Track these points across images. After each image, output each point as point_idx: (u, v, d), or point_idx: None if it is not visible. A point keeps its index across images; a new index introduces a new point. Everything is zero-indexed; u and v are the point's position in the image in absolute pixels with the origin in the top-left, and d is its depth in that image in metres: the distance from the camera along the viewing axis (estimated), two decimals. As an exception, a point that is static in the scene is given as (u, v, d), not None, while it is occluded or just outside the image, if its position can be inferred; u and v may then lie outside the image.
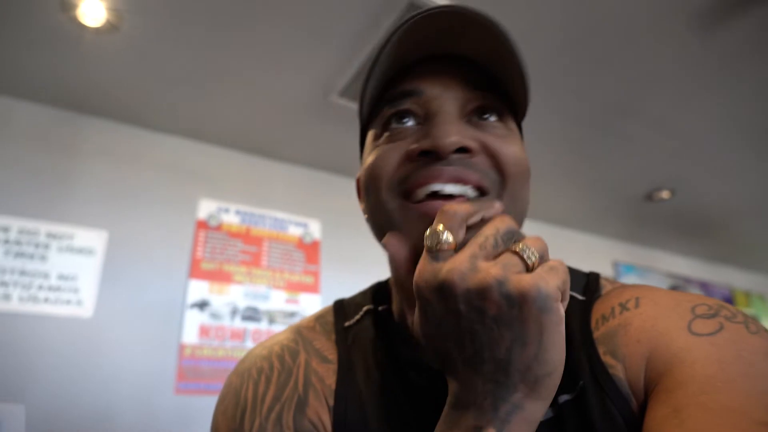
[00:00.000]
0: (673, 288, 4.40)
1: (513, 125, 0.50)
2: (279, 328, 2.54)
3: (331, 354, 0.58)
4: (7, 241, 2.11)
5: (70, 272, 2.19)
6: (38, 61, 2.05)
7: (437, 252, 0.38)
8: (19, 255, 2.11)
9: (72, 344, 2.09)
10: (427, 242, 0.38)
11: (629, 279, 4.12)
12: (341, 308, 0.64)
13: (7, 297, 2.05)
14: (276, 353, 0.57)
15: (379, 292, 0.64)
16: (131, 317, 2.24)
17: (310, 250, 2.81)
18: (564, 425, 0.44)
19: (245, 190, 2.74)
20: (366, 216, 0.56)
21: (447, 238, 0.38)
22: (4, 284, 2.06)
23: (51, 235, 2.19)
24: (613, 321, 0.47)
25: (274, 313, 2.59)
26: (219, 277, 2.51)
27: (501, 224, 0.39)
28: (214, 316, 2.44)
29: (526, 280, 0.34)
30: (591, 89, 2.26)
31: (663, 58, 2.07)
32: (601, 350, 0.46)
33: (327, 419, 0.52)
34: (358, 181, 0.59)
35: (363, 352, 0.57)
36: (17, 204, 2.17)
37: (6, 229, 2.12)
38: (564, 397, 0.45)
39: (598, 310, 0.50)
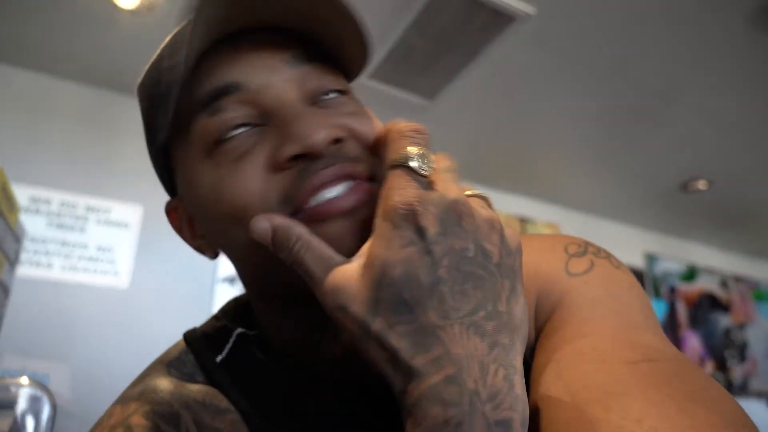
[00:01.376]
0: (722, 282, 4.31)
1: (350, 90, 0.44)
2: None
3: (220, 401, 0.43)
4: (49, 213, 2.20)
5: (108, 244, 2.27)
6: (80, 43, 2.11)
7: (422, 177, 0.32)
8: (60, 227, 2.21)
9: (110, 312, 2.19)
10: (411, 162, 0.32)
11: (661, 270, 4.04)
12: (201, 339, 0.48)
13: (49, 266, 2.15)
14: (149, 428, 0.39)
15: (240, 309, 0.51)
16: (165, 289, 2.33)
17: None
18: None
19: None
20: (206, 247, 0.47)
21: (429, 163, 0.33)
22: (47, 254, 2.16)
23: (90, 209, 2.28)
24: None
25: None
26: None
27: (450, 162, 0.35)
28: (241, 291, 2.50)
29: (513, 230, 0.33)
30: (632, 73, 2.20)
31: (709, 44, 2.00)
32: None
33: None
34: (174, 210, 0.51)
35: (263, 393, 0.44)
36: (58, 178, 2.26)
37: (48, 202, 2.21)
38: None
39: None
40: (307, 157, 0.36)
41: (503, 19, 1.87)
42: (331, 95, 0.41)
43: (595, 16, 1.88)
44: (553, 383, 0.34)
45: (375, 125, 0.41)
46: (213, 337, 0.48)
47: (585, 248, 0.44)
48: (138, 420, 0.40)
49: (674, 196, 3.51)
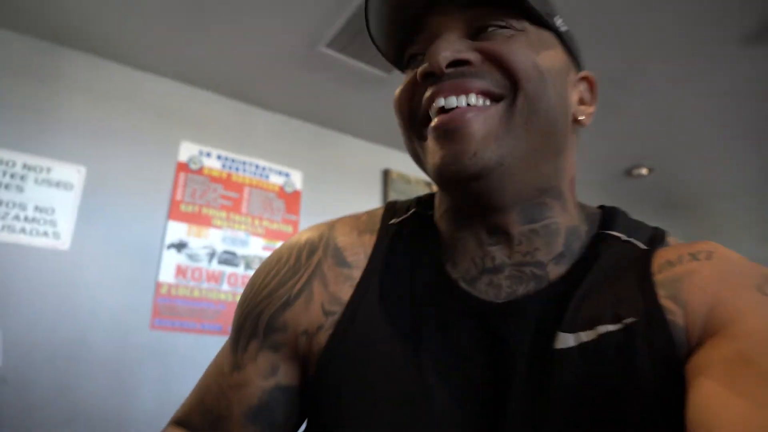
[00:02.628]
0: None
1: (530, 28, 0.47)
2: (255, 274, 2.58)
3: (356, 256, 0.55)
4: (-17, 169, 2.09)
5: (48, 205, 2.19)
6: (19, -15, 1.98)
7: None
8: (-4, 184, 2.10)
9: (49, 275, 2.12)
10: None
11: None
12: (392, 206, 0.61)
13: (-18, 225, 2.05)
14: (299, 246, 0.57)
15: (429, 198, 0.61)
16: (108, 253, 2.27)
17: (291, 200, 2.83)
18: (601, 352, 0.43)
19: (228, 135, 2.73)
20: None
21: None
22: (-20, 212, 2.06)
23: (28, 167, 2.18)
24: (680, 267, 0.45)
25: (252, 259, 2.63)
26: (198, 220, 2.53)
27: None
28: (192, 257, 2.47)
29: None
30: (587, 57, 2.26)
31: (657, 33, 2.07)
32: (660, 293, 0.44)
33: (313, 326, 0.51)
34: None
35: (398, 260, 0.54)
36: (-6, 132, 2.14)
37: (-18, 157, 2.10)
38: (606, 327, 0.44)
39: (662, 256, 0.48)
40: (433, 76, 0.45)
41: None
42: (491, 29, 0.46)
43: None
44: (744, 371, 0.34)
45: (523, 49, 0.45)
46: (401, 206, 0.60)
47: None
48: (306, 239, 0.57)
49: (618, 181, 3.66)
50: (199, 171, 2.60)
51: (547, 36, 0.48)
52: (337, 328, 0.50)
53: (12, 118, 2.19)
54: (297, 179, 2.90)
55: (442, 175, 0.44)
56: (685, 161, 3.29)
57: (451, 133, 0.43)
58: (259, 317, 0.53)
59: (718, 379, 0.35)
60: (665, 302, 0.44)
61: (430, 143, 0.45)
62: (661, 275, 0.46)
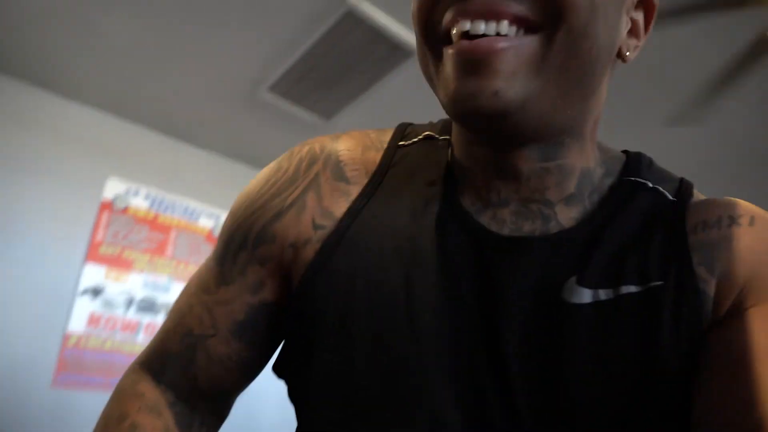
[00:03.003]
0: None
1: None
2: (177, 323, 2.44)
3: (357, 172, 0.51)
4: None
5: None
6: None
7: None
8: None
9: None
10: None
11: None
12: (404, 128, 0.55)
13: None
14: (300, 156, 0.53)
15: (447, 122, 0.55)
16: (12, 297, 2.06)
17: (222, 244, 2.73)
18: (619, 314, 0.40)
19: (159, 172, 2.60)
20: None
21: None
22: None
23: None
24: (718, 232, 0.42)
25: (175, 306, 2.48)
26: (118, 263, 2.37)
27: None
28: (108, 304, 2.29)
29: None
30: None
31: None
32: (695, 258, 0.41)
33: (301, 239, 0.48)
34: None
35: (401, 182, 0.49)
36: None
37: None
38: (629, 288, 0.40)
39: (699, 214, 0.44)
40: None
41: (402, 53, 1.92)
42: None
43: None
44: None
45: None
46: (413, 129, 0.55)
47: None
48: (308, 149, 0.53)
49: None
50: (124, 211, 2.45)
51: None
52: (325, 243, 0.47)
53: None
54: (230, 223, 2.80)
55: (454, 108, 0.38)
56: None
57: (473, 64, 0.36)
58: (250, 228, 0.50)
59: (741, 368, 0.34)
60: (698, 269, 0.40)
61: (448, 68, 0.38)
62: (696, 236, 0.42)
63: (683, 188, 0.47)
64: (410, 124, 0.56)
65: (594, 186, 0.46)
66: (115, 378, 2.20)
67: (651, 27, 0.45)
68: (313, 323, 0.46)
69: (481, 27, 0.36)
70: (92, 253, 2.30)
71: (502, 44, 0.36)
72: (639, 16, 0.44)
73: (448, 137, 0.52)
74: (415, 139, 0.53)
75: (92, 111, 2.46)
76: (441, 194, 0.47)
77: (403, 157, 0.52)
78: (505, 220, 0.45)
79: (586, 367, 0.39)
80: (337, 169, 0.51)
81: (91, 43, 2.00)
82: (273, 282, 0.50)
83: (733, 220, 0.42)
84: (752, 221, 0.42)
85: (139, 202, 2.50)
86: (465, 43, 0.36)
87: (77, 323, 2.19)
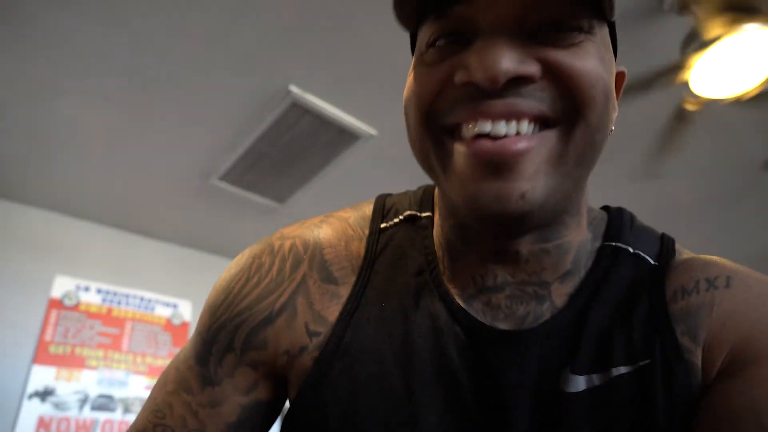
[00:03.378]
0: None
1: (595, 29, 0.38)
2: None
3: (344, 270, 0.49)
4: None
5: None
6: None
7: None
8: None
9: None
10: None
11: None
12: (382, 205, 0.53)
13: None
14: (282, 255, 0.50)
15: (426, 195, 0.53)
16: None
17: (179, 332, 2.68)
18: (614, 399, 0.40)
19: (110, 267, 2.59)
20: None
21: None
22: None
23: None
24: (697, 297, 0.41)
25: (132, 401, 2.39)
26: (69, 362, 2.29)
27: None
28: (59, 406, 2.19)
29: None
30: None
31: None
32: (678, 329, 0.41)
33: (296, 346, 0.47)
34: None
35: (389, 274, 0.48)
36: None
37: None
38: (620, 370, 0.40)
39: (677, 280, 0.43)
40: (485, 90, 0.35)
41: (349, 136, 2.07)
42: (556, 30, 0.36)
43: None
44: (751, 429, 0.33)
45: (593, 65, 0.36)
46: (392, 205, 0.53)
47: None
48: (290, 245, 0.51)
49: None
50: (75, 307, 2.40)
51: (605, 32, 0.40)
52: (323, 351, 0.46)
53: None
54: (186, 310, 2.77)
55: (475, 211, 0.36)
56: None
57: (497, 166, 0.35)
58: (236, 331, 0.48)
59: (720, 428, 0.33)
60: (683, 340, 0.40)
61: (462, 167, 0.37)
62: (676, 306, 0.42)
63: (664, 249, 0.46)
64: (389, 196, 0.54)
65: (588, 255, 0.46)
66: (69, 485, 2.08)
67: (620, 96, 0.46)
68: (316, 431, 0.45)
69: (503, 128, 0.35)
70: (41, 354, 2.22)
71: (524, 144, 0.35)
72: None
73: (430, 213, 0.51)
74: (397, 220, 0.51)
75: (37, 210, 2.46)
76: (430, 285, 0.46)
77: (387, 243, 0.50)
78: (499, 305, 0.44)
79: None
80: (323, 270, 0.49)
81: (34, 140, 2.04)
82: (267, 382, 0.49)
83: (710, 283, 0.42)
84: (728, 282, 0.42)
85: (91, 297, 2.46)
86: (487, 144, 0.35)
87: (25, 428, 2.08)
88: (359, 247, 0.50)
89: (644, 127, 2.15)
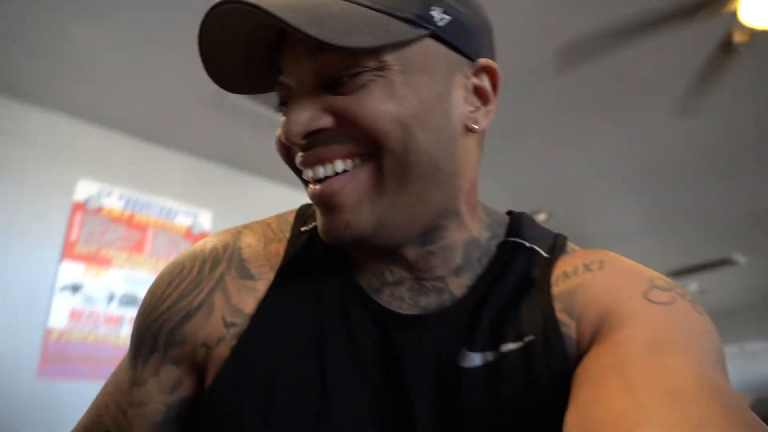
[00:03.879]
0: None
1: (388, 62, 0.41)
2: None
3: (262, 268, 0.52)
4: None
5: None
6: None
7: None
8: None
9: None
10: None
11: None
12: (304, 211, 0.58)
13: None
14: (203, 257, 0.54)
15: None
16: (-8, 297, 2.12)
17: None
18: (505, 372, 0.44)
19: (132, 174, 2.66)
20: None
21: None
22: None
23: None
24: (575, 279, 0.46)
25: (154, 302, 2.54)
26: (96, 260, 2.43)
27: None
28: (88, 300, 2.35)
29: None
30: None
31: (540, 99, 2.29)
32: (557, 307, 0.45)
33: (213, 338, 0.50)
34: None
35: (305, 269, 0.52)
36: None
37: None
38: (509, 346, 0.44)
39: (561, 267, 0.49)
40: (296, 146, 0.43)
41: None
42: (344, 79, 0.41)
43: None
44: (614, 380, 0.34)
45: (372, 104, 0.40)
46: (312, 214, 0.57)
47: (672, 287, 0.44)
48: (211, 247, 0.54)
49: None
50: (98, 211, 2.50)
51: (418, 50, 0.42)
52: (240, 340, 0.48)
53: None
54: (206, 220, 2.86)
55: (325, 238, 0.45)
56: (580, 208, 3.60)
57: (325, 205, 0.43)
58: (159, 330, 0.51)
59: (591, 387, 0.36)
60: (561, 316, 0.45)
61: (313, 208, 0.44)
62: (558, 288, 0.47)
63: (557, 245, 0.52)
64: (310, 206, 0.58)
65: (482, 250, 0.50)
66: (102, 368, 2.28)
67: (498, 89, 0.48)
68: (232, 419, 0.46)
69: (320, 171, 0.42)
70: (68, 252, 2.35)
71: (338, 184, 0.42)
72: (484, 81, 0.47)
73: None
74: (315, 223, 0.54)
75: (59, 116, 2.50)
76: (341, 277, 0.51)
77: (305, 244, 0.53)
78: (403, 297, 0.48)
79: (482, 424, 0.43)
80: (241, 268, 0.52)
81: (60, 50, 2.04)
82: (190, 379, 0.51)
83: (587, 267, 0.47)
84: (601, 265, 0.47)
85: (114, 203, 2.55)
86: (315, 188, 0.43)
87: (58, 319, 2.25)
88: (278, 248, 0.54)
89: (686, 60, 1.99)
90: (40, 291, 2.25)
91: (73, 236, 2.40)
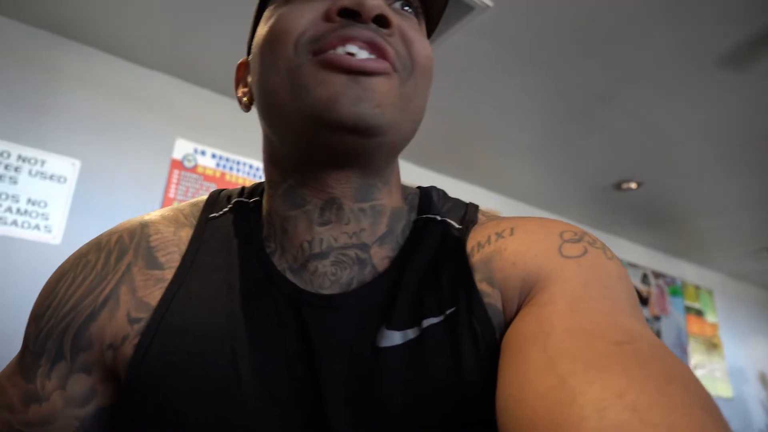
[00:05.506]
0: (643, 276, 4.60)
1: (424, 29, 0.49)
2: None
3: (170, 255, 0.49)
4: (-23, 160, 2.09)
5: (41, 198, 2.19)
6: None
7: None
8: (-11, 175, 2.10)
9: (39, 269, 2.12)
10: None
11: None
12: (216, 197, 0.56)
13: (-26, 215, 2.05)
14: (108, 248, 0.50)
15: (256, 187, 0.57)
16: (99, 248, 2.27)
17: (283, 202, 2.84)
18: (427, 348, 0.43)
19: (224, 134, 2.74)
20: (247, 94, 0.51)
21: None
22: (-28, 202, 2.06)
23: (23, 159, 2.18)
24: (489, 248, 0.47)
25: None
26: (190, 218, 2.54)
27: None
28: (182, 255, 2.47)
29: None
30: (572, 75, 2.31)
31: (646, 54, 2.13)
32: (477, 277, 0.45)
33: (118, 337, 0.45)
34: (240, 66, 0.55)
35: (215, 256, 0.49)
36: (-10, 123, 2.14)
37: (-23, 148, 2.10)
38: (431, 320, 0.44)
39: (474, 238, 0.49)
40: (354, 17, 0.41)
41: (462, 7, 1.92)
42: (406, 8, 0.46)
43: (546, 16, 1.96)
44: (537, 354, 0.35)
45: (427, 46, 0.46)
46: (223, 199, 0.56)
47: (581, 236, 0.45)
48: (117, 237, 0.51)
49: (607, 194, 3.72)
50: (193, 169, 2.61)
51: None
52: (142, 337, 0.44)
53: (8, 109, 2.19)
54: (290, 181, 2.91)
55: (332, 111, 0.39)
56: (673, 177, 3.36)
57: (363, 77, 0.40)
58: (63, 335, 0.46)
59: (516, 359, 0.36)
60: (482, 286, 0.45)
61: (325, 75, 0.39)
62: (474, 258, 0.47)
63: (467, 215, 0.52)
64: (221, 191, 0.57)
65: (404, 222, 0.51)
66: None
67: None
68: (146, 421, 0.42)
69: (365, 55, 0.40)
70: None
71: (384, 66, 0.41)
72: None
73: (258, 198, 0.54)
74: (226, 209, 0.53)
75: (161, 75, 2.60)
76: (258, 262, 0.48)
77: (215, 231, 0.51)
78: (326, 273, 0.47)
79: (404, 406, 0.41)
80: (148, 256, 0.49)
81: (163, 13, 2.11)
82: (106, 387, 0.47)
83: (499, 235, 0.48)
84: (512, 231, 0.47)
85: (207, 161, 2.65)
86: (351, 58, 0.39)
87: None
88: (188, 234, 0.51)
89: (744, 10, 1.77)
90: (141, 244, 2.38)
91: (171, 193, 2.52)
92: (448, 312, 0.44)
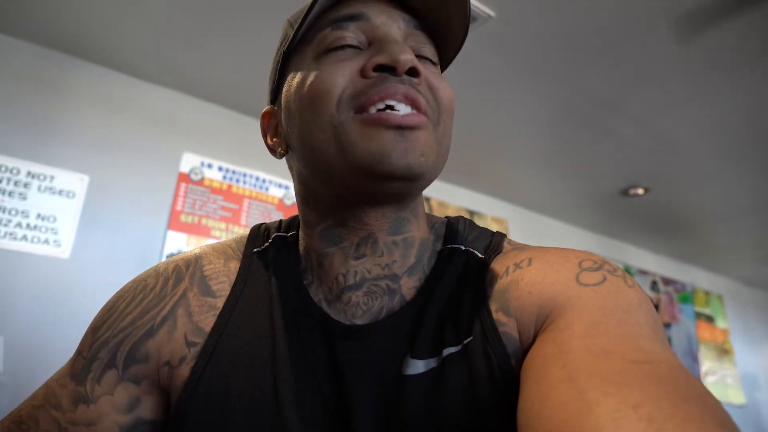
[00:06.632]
0: (652, 283, 4.56)
1: (439, 70, 0.53)
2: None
3: (222, 284, 0.54)
4: (-13, 176, 2.11)
5: (50, 213, 2.20)
6: (33, 1, 2.02)
7: None
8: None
9: (49, 283, 2.13)
10: None
11: (596, 269, 4.24)
12: (257, 232, 0.60)
13: (-16, 231, 2.07)
14: (166, 274, 0.55)
15: (292, 221, 0.61)
16: (107, 262, 2.28)
17: (290, 212, 2.85)
18: (446, 376, 0.45)
19: (230, 147, 2.75)
20: (280, 144, 0.53)
21: None
22: (-17, 218, 2.07)
23: (32, 175, 2.20)
24: (506, 279, 0.48)
25: (249, 271, 2.64)
26: (197, 230, 2.55)
27: None
28: (190, 268, 2.47)
29: None
30: (578, 81, 2.31)
31: (651, 59, 2.12)
32: (493, 308, 0.46)
33: (176, 357, 0.50)
34: (266, 115, 0.57)
35: (259, 287, 0.53)
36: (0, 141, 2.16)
37: (-14, 164, 2.12)
38: (449, 350, 0.46)
39: (494, 268, 0.50)
40: (389, 71, 0.45)
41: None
42: (424, 61, 0.50)
43: (550, 24, 1.96)
44: (557, 371, 0.35)
45: (450, 92, 0.50)
46: (263, 233, 0.60)
47: (601, 265, 0.45)
48: (174, 266, 0.55)
49: (614, 201, 3.71)
50: (200, 182, 2.62)
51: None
52: (198, 361, 0.49)
53: (18, 126, 2.21)
54: (297, 192, 2.91)
55: (384, 165, 0.43)
56: (681, 182, 3.34)
57: (407, 132, 0.44)
58: (118, 347, 0.50)
59: (537, 380, 0.36)
60: (497, 316, 0.46)
61: (372, 131, 0.43)
62: (492, 288, 0.48)
63: (492, 244, 0.54)
64: (261, 225, 0.61)
65: (430, 252, 0.53)
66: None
67: None
68: None
69: (403, 108, 0.44)
70: (174, 222, 2.49)
71: (422, 120, 0.45)
72: None
73: (295, 232, 0.58)
74: (267, 244, 0.58)
75: (167, 91, 2.63)
76: (294, 293, 0.52)
77: (258, 264, 0.55)
78: (358, 303, 0.50)
79: (426, 430, 0.43)
80: (203, 284, 0.53)
81: (168, 30, 2.13)
82: (150, 399, 0.51)
83: (517, 266, 0.48)
84: (530, 261, 0.48)
85: (214, 174, 2.66)
86: (395, 114, 0.43)
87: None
88: (236, 266, 0.55)
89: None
90: (149, 259, 2.39)
91: (179, 206, 2.53)
92: (465, 342, 0.46)
